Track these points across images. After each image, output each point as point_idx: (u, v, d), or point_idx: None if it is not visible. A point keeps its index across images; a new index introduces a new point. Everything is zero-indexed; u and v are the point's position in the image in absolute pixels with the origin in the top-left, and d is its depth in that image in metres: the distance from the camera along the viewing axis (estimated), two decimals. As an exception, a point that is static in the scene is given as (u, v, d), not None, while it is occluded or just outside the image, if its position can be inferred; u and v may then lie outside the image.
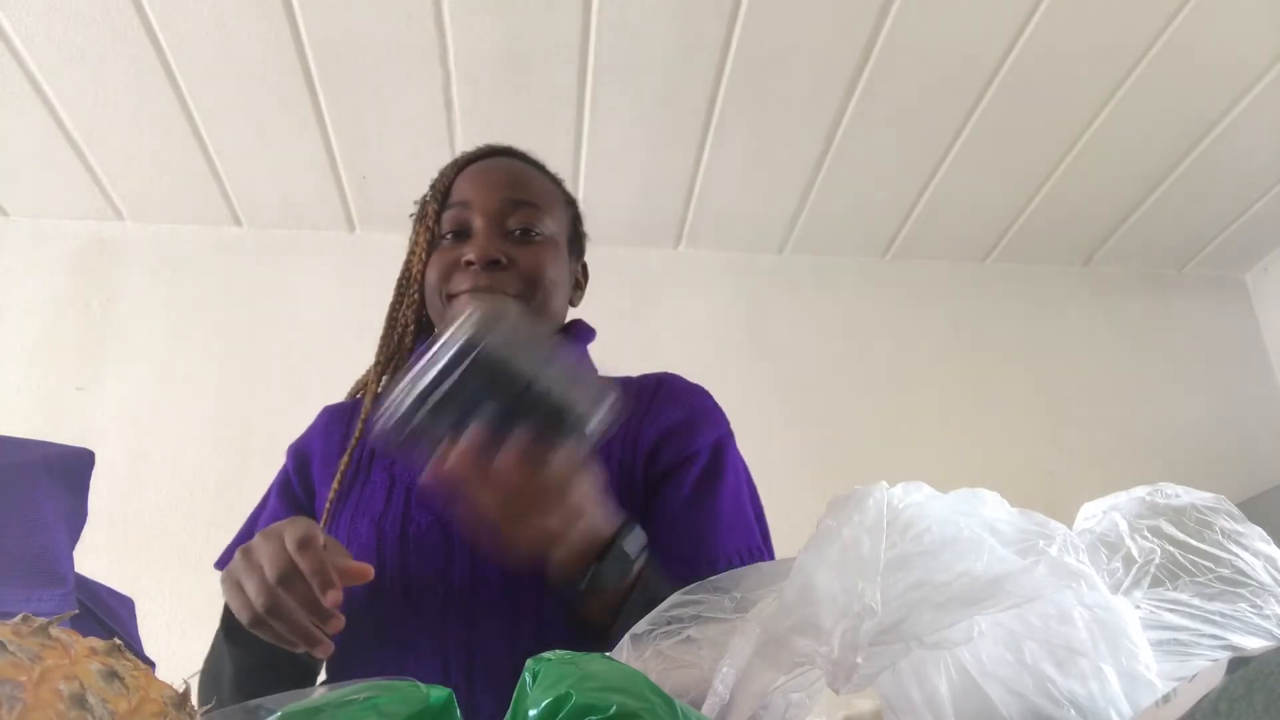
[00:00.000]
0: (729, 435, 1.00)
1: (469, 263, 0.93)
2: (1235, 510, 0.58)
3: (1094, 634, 0.47)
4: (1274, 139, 2.21)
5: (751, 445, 2.52)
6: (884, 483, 0.52)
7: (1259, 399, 2.56)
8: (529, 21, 1.84)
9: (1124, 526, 0.58)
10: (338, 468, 0.94)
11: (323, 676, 0.93)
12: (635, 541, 0.78)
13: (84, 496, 0.59)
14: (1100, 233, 2.53)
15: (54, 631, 0.33)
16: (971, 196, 2.36)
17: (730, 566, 0.84)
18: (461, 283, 0.93)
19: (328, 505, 0.91)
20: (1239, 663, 0.34)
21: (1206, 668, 0.36)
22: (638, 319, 2.40)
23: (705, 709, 0.49)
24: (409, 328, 1.01)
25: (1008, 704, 0.46)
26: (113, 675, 0.32)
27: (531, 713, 0.34)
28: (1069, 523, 0.57)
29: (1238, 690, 0.33)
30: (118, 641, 0.35)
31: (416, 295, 0.99)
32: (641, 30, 1.87)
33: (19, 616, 0.33)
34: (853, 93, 2.03)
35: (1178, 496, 0.59)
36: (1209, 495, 0.59)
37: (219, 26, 1.82)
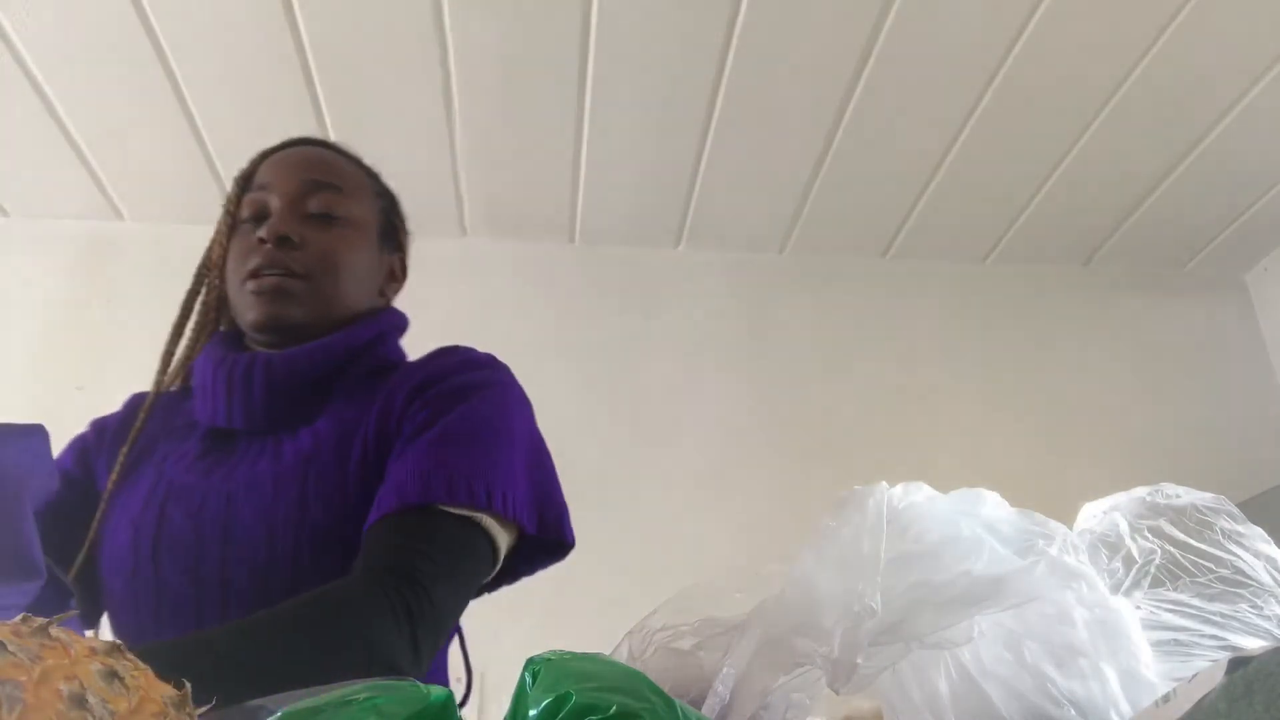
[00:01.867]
0: (497, 383, 0.90)
1: (261, 240, 0.90)
2: (1236, 510, 0.58)
3: (1094, 634, 0.47)
4: (1274, 139, 2.21)
5: (751, 445, 2.54)
6: (884, 483, 0.52)
7: (1259, 399, 2.55)
8: (529, 21, 1.84)
9: (1124, 527, 0.58)
10: (117, 458, 0.91)
11: None
12: None
13: (51, 471, 0.57)
14: (1100, 233, 2.52)
15: (54, 631, 0.33)
16: (971, 196, 2.36)
17: (462, 489, 0.78)
18: (253, 260, 0.90)
19: (104, 499, 0.88)
20: (1239, 663, 0.34)
21: (1206, 668, 0.36)
22: (638, 319, 2.40)
23: (705, 709, 0.49)
24: (208, 315, 0.99)
25: (1008, 704, 0.46)
26: (113, 675, 0.32)
27: (531, 713, 0.34)
28: (1069, 523, 0.57)
29: (1238, 690, 0.33)
30: (118, 642, 0.35)
31: (216, 282, 0.96)
32: (641, 30, 1.87)
33: (19, 616, 0.33)
34: (853, 93, 2.03)
35: (1178, 497, 0.59)
36: (1209, 495, 0.59)
37: (219, 27, 1.82)
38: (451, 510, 0.78)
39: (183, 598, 0.82)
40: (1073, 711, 0.45)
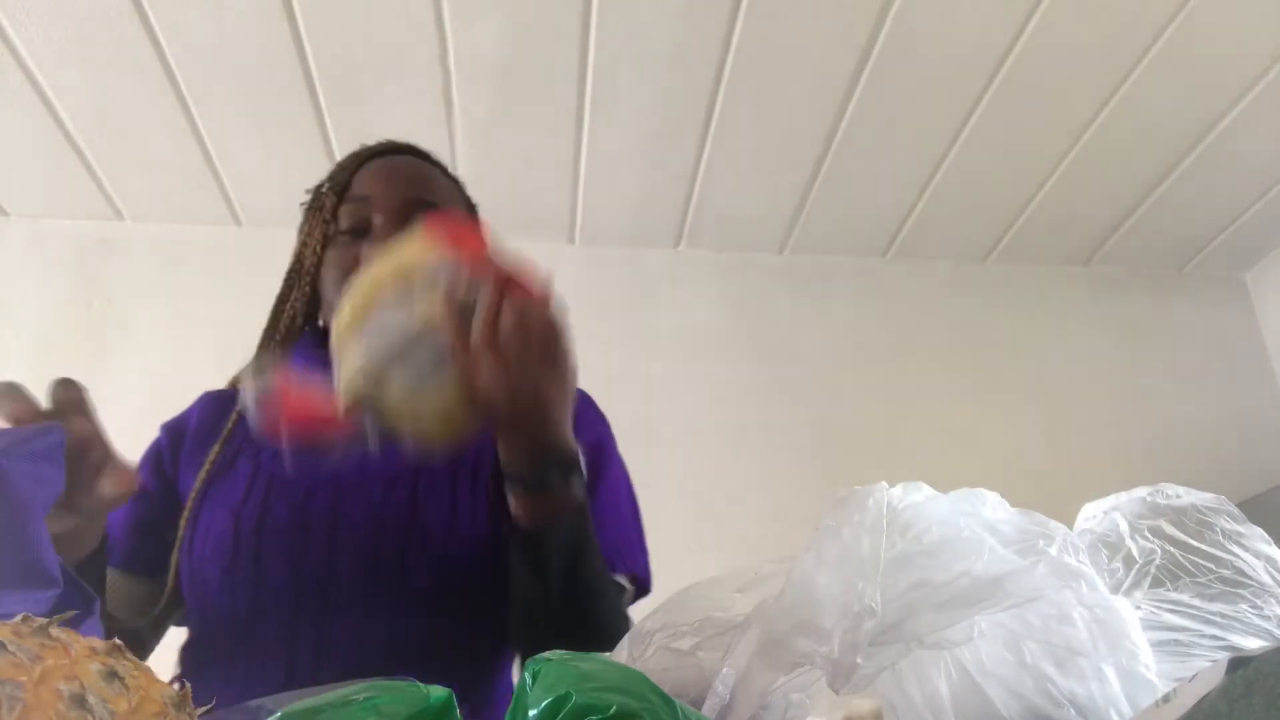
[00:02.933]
0: (609, 440, 0.99)
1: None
2: (1236, 511, 0.58)
3: (1094, 634, 0.47)
4: (1274, 139, 2.21)
5: (751, 445, 2.54)
6: (884, 483, 0.52)
7: (1259, 399, 2.55)
8: (529, 22, 1.84)
9: (1124, 527, 0.58)
10: (207, 456, 0.92)
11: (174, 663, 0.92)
12: (579, 475, 0.79)
13: (60, 472, 0.57)
14: (1100, 233, 2.53)
15: (54, 631, 0.33)
16: (971, 196, 2.36)
17: (619, 561, 0.88)
18: None
19: (193, 494, 0.89)
20: (1239, 663, 0.34)
21: (1206, 668, 0.36)
22: (638, 319, 2.40)
23: (705, 709, 0.49)
24: (295, 320, 0.99)
25: (1008, 704, 0.46)
26: (113, 675, 0.32)
27: (531, 713, 0.34)
28: (1069, 523, 0.57)
29: (1238, 690, 0.33)
30: (118, 642, 0.35)
31: (308, 288, 0.97)
32: (641, 30, 1.87)
33: (19, 616, 0.33)
34: (853, 93, 2.03)
35: (1178, 497, 0.59)
36: (1210, 496, 0.59)
37: (219, 27, 1.82)
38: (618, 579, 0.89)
39: (283, 587, 0.83)
40: (1073, 711, 0.45)
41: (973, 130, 2.14)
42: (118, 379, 2.13)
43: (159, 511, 0.92)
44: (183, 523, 0.88)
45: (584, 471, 0.79)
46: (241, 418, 0.95)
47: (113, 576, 0.88)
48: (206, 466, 0.90)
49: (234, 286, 2.29)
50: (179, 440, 0.97)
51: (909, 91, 2.03)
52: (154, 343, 2.19)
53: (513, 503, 0.78)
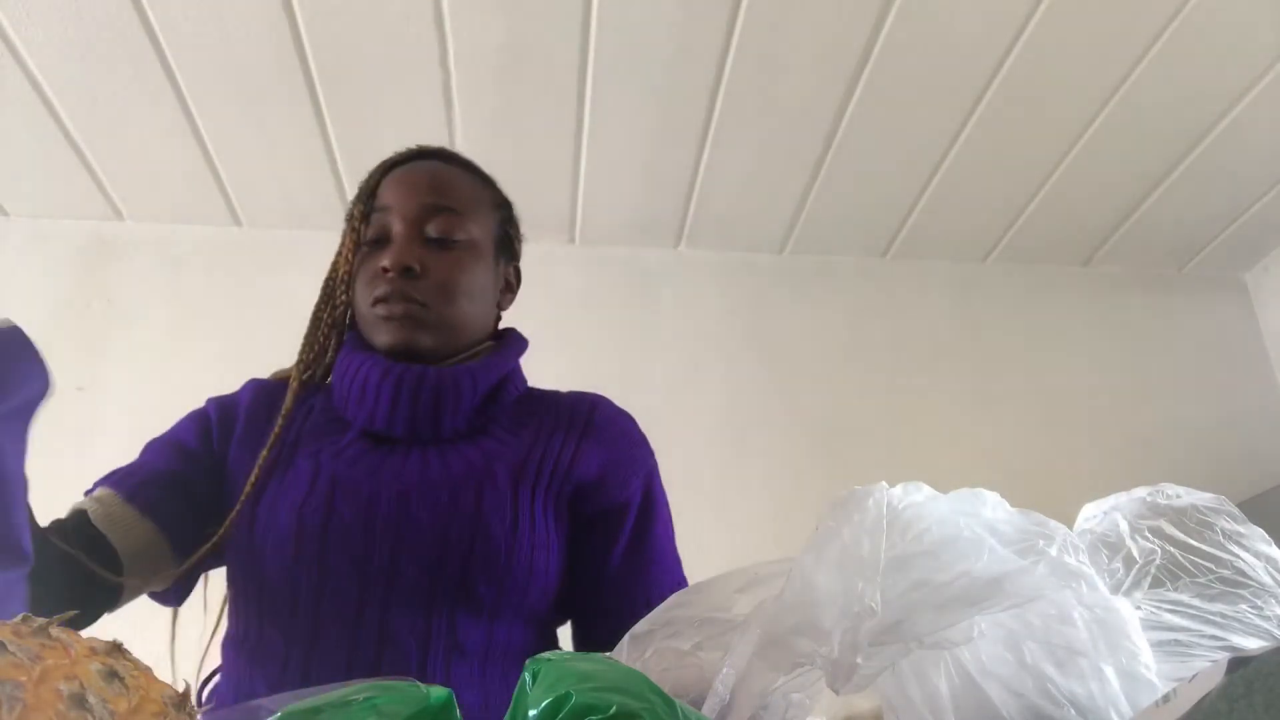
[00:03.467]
0: (655, 466, 1.05)
1: (384, 269, 0.94)
2: (1236, 511, 0.58)
3: (1094, 634, 0.47)
4: (1274, 139, 2.21)
5: (752, 445, 2.54)
6: (884, 483, 0.52)
7: (1259, 399, 2.55)
8: (529, 21, 1.84)
9: (1125, 527, 0.58)
10: (259, 445, 0.93)
11: (216, 659, 0.93)
12: None
13: (33, 366, 0.55)
14: (1100, 233, 2.52)
15: (54, 631, 0.33)
16: (971, 196, 2.36)
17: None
18: (379, 288, 0.95)
19: (249, 487, 0.90)
20: (1239, 663, 0.34)
21: (1206, 668, 0.36)
22: (638, 319, 2.40)
23: (705, 709, 0.49)
24: (334, 329, 1.02)
25: (1008, 704, 0.46)
26: (113, 675, 0.32)
27: (531, 713, 0.34)
28: (1069, 523, 0.57)
29: (1238, 690, 0.33)
30: (118, 641, 0.35)
31: (344, 298, 1.00)
32: (641, 30, 1.86)
33: (19, 616, 0.33)
34: (853, 93, 2.03)
35: (1179, 497, 0.59)
36: (1210, 496, 0.59)
37: (219, 26, 1.82)
38: None
39: (347, 585, 0.85)
40: (1073, 711, 0.45)
41: (973, 130, 2.14)
42: (118, 379, 2.13)
43: (197, 475, 0.94)
44: (242, 501, 0.89)
45: None
46: (294, 412, 0.97)
47: (130, 515, 0.88)
48: (263, 457, 0.91)
49: (234, 286, 2.29)
50: (229, 420, 0.99)
51: (908, 92, 2.03)
52: (154, 343, 2.19)
53: None
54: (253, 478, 0.90)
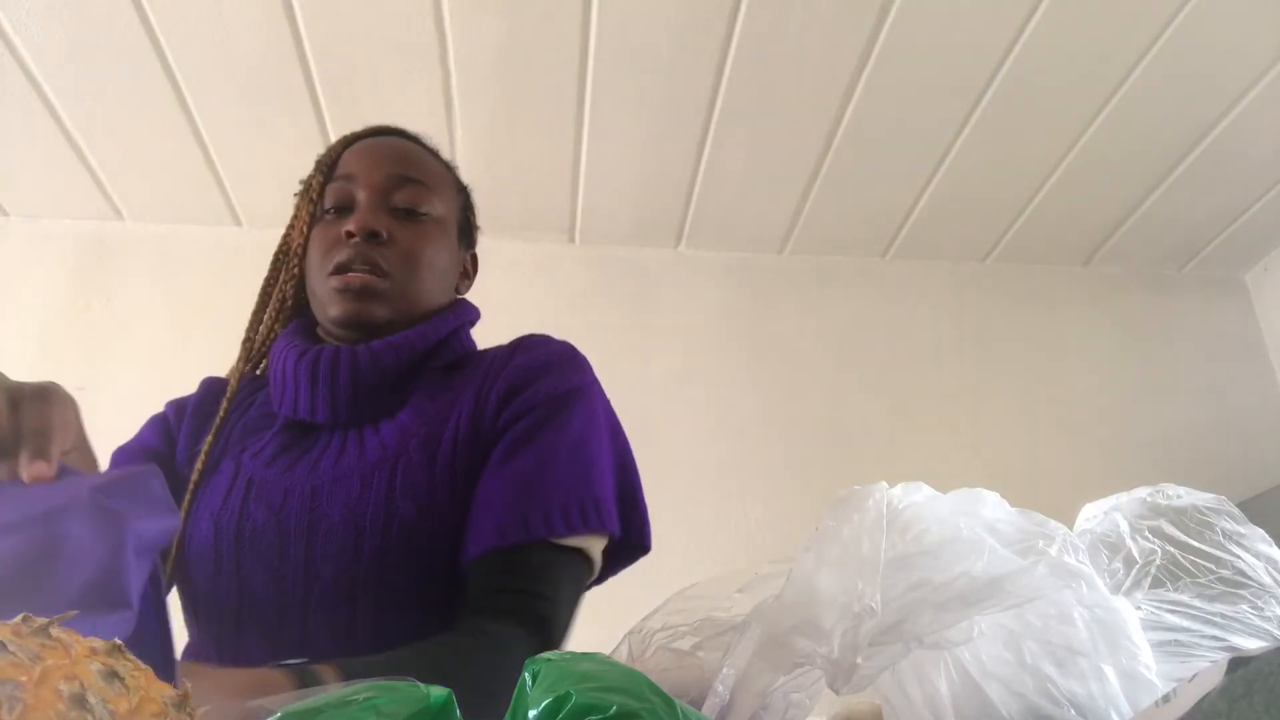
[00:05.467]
0: (584, 387, 0.91)
1: (349, 234, 0.90)
2: (1236, 511, 0.58)
3: (1094, 634, 0.47)
4: (1274, 139, 2.21)
5: (752, 445, 2.54)
6: (884, 483, 0.52)
7: (1259, 399, 2.55)
8: (529, 21, 1.84)
9: (1125, 527, 0.58)
10: (200, 446, 0.91)
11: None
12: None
13: (162, 507, 0.55)
14: (1100, 233, 2.52)
15: (54, 631, 0.33)
16: (971, 196, 2.36)
17: (559, 520, 0.80)
18: (340, 254, 0.90)
19: (187, 493, 0.87)
20: (1239, 663, 0.34)
21: (1206, 668, 0.36)
22: (638, 319, 2.40)
23: (705, 709, 0.49)
24: (285, 303, 0.98)
25: (1008, 704, 0.46)
26: (113, 675, 0.32)
27: (531, 713, 0.34)
28: (1069, 523, 0.57)
29: (1238, 690, 0.33)
30: (118, 642, 0.35)
31: (296, 270, 0.96)
32: (641, 30, 1.86)
33: (19, 616, 0.33)
34: (853, 93, 2.03)
35: (1179, 497, 0.59)
36: (1210, 496, 0.59)
37: (219, 26, 1.82)
38: (551, 541, 0.81)
39: (265, 595, 0.81)
40: (1073, 711, 0.45)
41: (973, 130, 2.14)
42: (118, 379, 2.13)
43: (166, 474, 0.91)
44: (185, 500, 0.87)
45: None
46: (230, 411, 0.94)
47: None
48: (199, 464, 0.89)
49: (234, 286, 2.28)
50: (180, 421, 0.97)
51: (909, 92, 2.03)
52: (154, 343, 2.19)
53: None
54: (191, 486, 0.87)
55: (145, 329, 2.21)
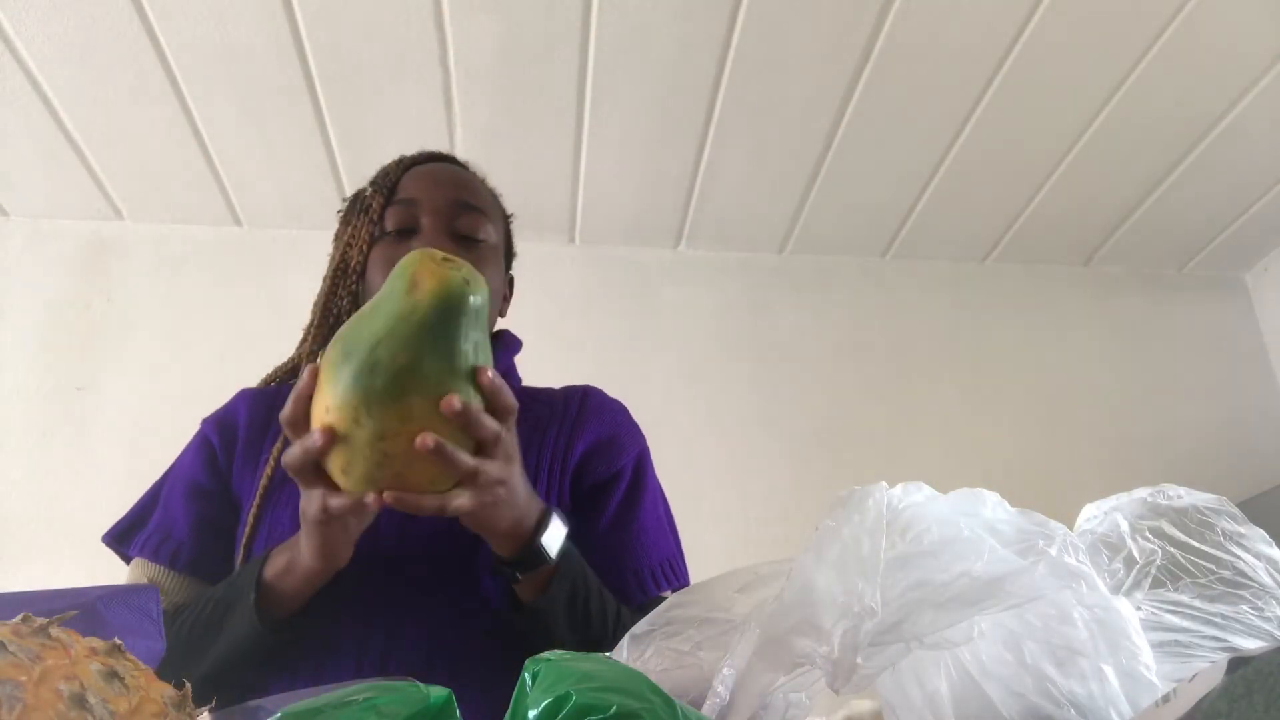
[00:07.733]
0: (647, 450, 1.03)
1: None
2: (1237, 512, 0.58)
3: (1094, 634, 0.47)
4: (1274, 139, 2.21)
5: (751, 445, 2.53)
6: (884, 483, 0.52)
7: (1259, 399, 2.55)
8: (529, 21, 1.84)
9: (1125, 527, 0.58)
10: (261, 456, 0.92)
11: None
12: (554, 532, 0.80)
13: (155, 627, 0.57)
14: (1100, 233, 2.53)
15: (54, 631, 0.33)
16: (971, 196, 2.36)
17: (652, 577, 0.92)
18: None
19: (256, 498, 0.88)
20: (1239, 663, 0.34)
21: (1206, 668, 0.36)
22: (638, 319, 2.40)
23: (705, 709, 0.49)
24: (342, 319, 0.98)
25: (1008, 704, 0.46)
26: (113, 675, 0.32)
27: (531, 713, 0.34)
28: (1069, 523, 0.56)
29: (1238, 690, 0.33)
30: (118, 642, 0.35)
31: (354, 287, 0.97)
32: (641, 30, 1.86)
33: (19, 616, 0.33)
34: (853, 93, 2.03)
35: (1179, 497, 0.59)
36: (1210, 496, 0.59)
37: (219, 27, 1.82)
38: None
39: (353, 591, 0.83)
40: (1073, 712, 0.45)
41: (973, 130, 2.14)
42: (118, 379, 2.13)
43: (220, 511, 0.92)
44: (248, 528, 0.88)
45: (562, 521, 0.82)
46: (270, 421, 0.95)
47: (179, 583, 0.88)
48: (268, 471, 0.90)
49: (234, 286, 2.29)
50: (230, 440, 0.96)
51: (909, 92, 2.03)
52: (154, 343, 2.19)
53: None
54: (259, 491, 0.89)
55: (145, 329, 2.21)
